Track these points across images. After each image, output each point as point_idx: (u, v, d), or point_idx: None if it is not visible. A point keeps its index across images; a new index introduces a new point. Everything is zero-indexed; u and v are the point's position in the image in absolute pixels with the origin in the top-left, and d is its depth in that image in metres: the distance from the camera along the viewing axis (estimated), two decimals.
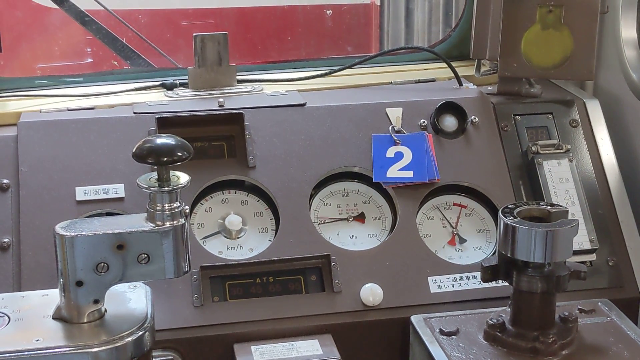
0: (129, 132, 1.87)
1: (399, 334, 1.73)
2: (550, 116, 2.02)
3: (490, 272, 1.57)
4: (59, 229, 1.35)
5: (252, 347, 1.66)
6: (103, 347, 1.33)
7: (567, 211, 1.57)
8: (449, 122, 1.97)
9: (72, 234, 1.34)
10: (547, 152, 1.93)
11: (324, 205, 1.88)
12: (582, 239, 1.83)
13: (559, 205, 1.59)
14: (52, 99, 2.06)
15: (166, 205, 1.37)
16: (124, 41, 2.54)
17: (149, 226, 1.36)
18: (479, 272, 1.61)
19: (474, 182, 1.92)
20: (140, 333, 1.37)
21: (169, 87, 2.14)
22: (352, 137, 1.93)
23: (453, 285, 1.78)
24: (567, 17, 2.00)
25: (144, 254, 1.36)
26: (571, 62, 2.03)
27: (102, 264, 1.35)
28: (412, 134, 1.94)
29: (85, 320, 1.38)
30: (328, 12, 3.98)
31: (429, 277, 1.79)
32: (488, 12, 2.06)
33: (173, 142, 1.37)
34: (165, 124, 1.88)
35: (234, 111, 1.93)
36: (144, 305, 1.43)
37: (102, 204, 1.78)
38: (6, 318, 1.39)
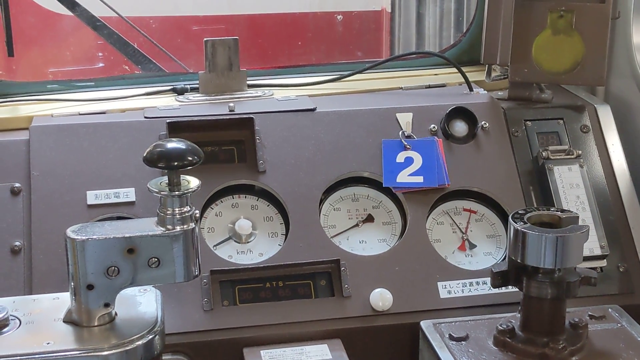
0: (139, 136, 1.87)
1: (409, 339, 1.73)
2: (561, 121, 2.02)
3: (500, 278, 1.57)
4: (69, 232, 1.36)
5: (261, 352, 1.66)
6: (113, 351, 1.34)
7: (578, 217, 1.56)
8: (460, 128, 1.97)
9: (83, 237, 1.34)
10: (558, 157, 1.92)
11: (334, 210, 1.89)
12: (593, 244, 1.83)
13: (569, 211, 1.58)
14: (64, 103, 2.07)
15: (176, 209, 1.37)
16: (135, 46, 2.55)
17: (159, 230, 1.37)
18: (489, 278, 1.60)
19: (484, 187, 1.91)
20: (150, 337, 1.37)
21: (180, 92, 2.14)
22: (362, 142, 1.93)
23: (463, 291, 1.78)
24: (578, 23, 2.00)
25: (155, 258, 1.37)
26: (582, 67, 2.02)
27: (113, 267, 1.36)
28: (422, 139, 1.94)
29: (95, 324, 1.39)
30: (339, 17, 3.98)
31: (438, 283, 1.79)
32: (499, 17, 2.05)
33: (184, 147, 1.38)
34: (176, 128, 1.89)
35: (245, 116, 1.93)
36: (154, 309, 1.43)
37: (112, 208, 1.79)
38: (17, 321, 1.40)
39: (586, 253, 1.75)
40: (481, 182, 1.92)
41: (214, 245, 1.81)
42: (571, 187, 1.89)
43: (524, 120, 2.01)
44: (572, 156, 1.93)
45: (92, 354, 1.33)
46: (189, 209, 1.38)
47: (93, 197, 1.80)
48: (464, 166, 1.93)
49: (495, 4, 2.04)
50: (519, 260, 1.53)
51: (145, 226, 1.38)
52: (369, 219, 1.88)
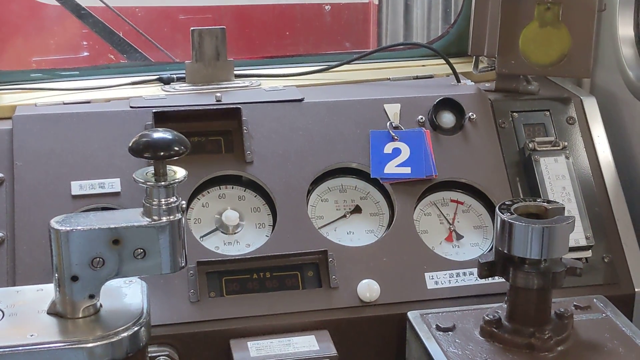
0: (125, 126, 1.86)
1: (396, 330, 1.73)
2: (548, 113, 2.02)
3: (487, 269, 1.57)
4: (54, 223, 1.35)
5: (248, 343, 1.65)
6: (98, 343, 1.33)
7: (564, 208, 1.57)
8: (447, 119, 1.97)
9: (68, 228, 1.33)
10: (544, 149, 1.93)
11: (322, 201, 1.88)
12: (578, 235, 1.83)
13: (555, 202, 1.59)
14: (48, 93, 2.05)
15: (163, 200, 1.36)
16: (121, 35, 2.53)
17: (145, 221, 1.36)
18: (476, 269, 1.61)
19: (471, 178, 1.92)
20: (136, 328, 1.36)
21: (166, 82, 2.13)
22: (350, 133, 1.93)
23: (450, 282, 1.78)
24: (564, 15, 2.00)
25: (140, 249, 1.36)
26: (569, 59, 2.03)
27: (98, 258, 1.35)
28: (410, 130, 1.94)
29: (80, 316, 1.38)
30: (327, 7, 3.97)
31: (425, 273, 1.79)
32: (486, 9, 2.05)
33: (170, 137, 1.37)
34: (162, 118, 1.88)
35: (232, 106, 1.92)
36: (139, 301, 1.42)
37: (97, 199, 1.78)
38: (0, 313, 1.39)
39: (572, 244, 1.75)
40: (468, 173, 1.92)
41: (201, 236, 1.80)
42: (557, 178, 1.90)
43: (510, 111, 2.01)
44: (558, 148, 1.94)
45: (76, 345, 1.32)
46: (176, 199, 1.37)
47: (78, 187, 1.78)
48: (451, 157, 1.93)
49: None
50: (505, 251, 1.53)
51: (131, 217, 1.37)
52: (357, 210, 1.88)
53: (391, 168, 1.88)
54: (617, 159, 1.98)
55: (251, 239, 1.81)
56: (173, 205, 1.37)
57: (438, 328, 1.60)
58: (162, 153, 1.35)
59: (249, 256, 1.76)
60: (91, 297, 1.37)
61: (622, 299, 1.79)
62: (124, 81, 2.14)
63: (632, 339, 1.57)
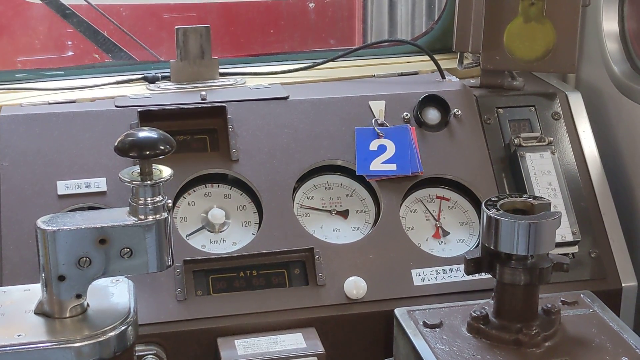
0: (110, 125, 1.86)
1: (383, 327, 1.73)
2: (533, 109, 2.03)
3: (473, 265, 1.58)
4: (40, 223, 1.34)
5: (235, 341, 1.65)
6: (86, 342, 1.32)
7: (550, 203, 1.57)
8: (432, 115, 1.98)
9: (54, 228, 1.33)
10: (530, 144, 1.93)
11: (308, 198, 1.88)
12: (565, 231, 1.84)
13: (541, 197, 1.60)
14: (33, 93, 2.05)
15: (149, 199, 1.36)
16: (106, 34, 2.52)
17: (131, 220, 1.36)
18: (462, 265, 1.61)
19: (457, 175, 1.92)
20: (123, 327, 1.36)
21: (151, 81, 2.13)
22: (336, 130, 1.93)
23: (436, 278, 1.79)
24: (549, 10, 2.01)
25: (127, 248, 1.35)
26: (553, 54, 2.03)
27: (85, 258, 1.34)
28: (395, 127, 1.94)
29: (67, 315, 1.37)
30: (311, 5, 3.97)
31: (412, 270, 1.79)
32: (470, 4, 2.06)
33: (155, 136, 1.37)
34: (148, 117, 1.87)
35: (217, 104, 1.92)
36: (126, 300, 1.42)
37: (84, 198, 1.77)
38: None
39: (558, 239, 1.75)
40: (454, 169, 1.92)
41: (187, 235, 1.80)
42: (543, 174, 1.91)
43: (496, 107, 2.02)
44: (544, 143, 1.94)
45: (64, 345, 1.31)
46: (162, 198, 1.37)
47: (64, 187, 1.78)
48: (437, 154, 1.93)
49: None
50: (492, 247, 1.54)
51: (117, 216, 1.37)
52: (344, 213, 1.87)
53: (377, 165, 1.89)
54: (602, 154, 1.99)
55: (237, 237, 1.81)
56: (159, 204, 1.36)
57: (425, 325, 1.60)
58: (147, 152, 1.34)
59: (235, 254, 1.76)
60: (78, 296, 1.37)
61: (609, 294, 1.80)
62: (108, 80, 2.13)
63: (619, 334, 1.57)
